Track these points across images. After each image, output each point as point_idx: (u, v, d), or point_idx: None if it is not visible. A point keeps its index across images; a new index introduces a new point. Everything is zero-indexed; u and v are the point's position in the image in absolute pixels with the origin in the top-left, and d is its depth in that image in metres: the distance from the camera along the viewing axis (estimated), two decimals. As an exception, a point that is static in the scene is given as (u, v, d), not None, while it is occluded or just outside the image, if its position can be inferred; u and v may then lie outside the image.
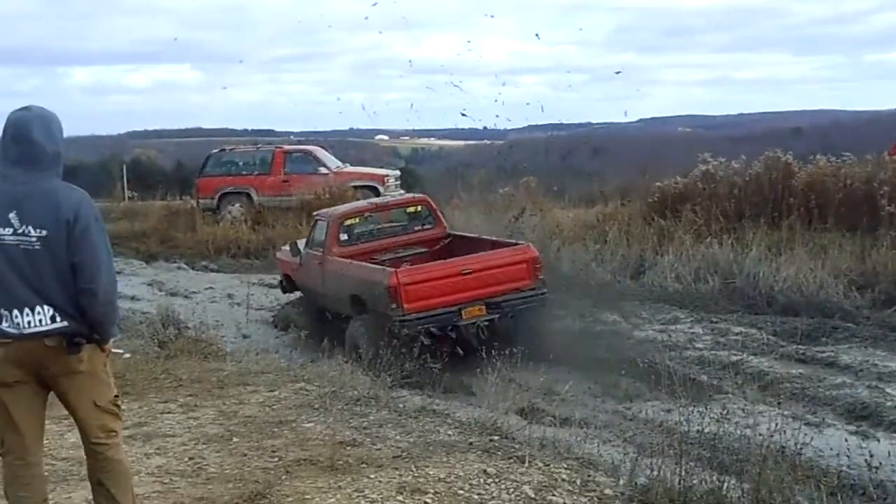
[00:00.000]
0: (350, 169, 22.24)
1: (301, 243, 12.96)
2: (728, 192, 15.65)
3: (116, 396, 4.15)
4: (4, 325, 3.86)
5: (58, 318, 3.87)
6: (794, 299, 12.32)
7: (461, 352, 10.27)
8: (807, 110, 78.11)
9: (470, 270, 10.60)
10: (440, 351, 9.86)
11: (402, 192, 21.98)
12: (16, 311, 3.86)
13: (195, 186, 22.26)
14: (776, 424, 8.07)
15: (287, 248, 13.50)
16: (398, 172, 23.40)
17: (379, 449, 5.56)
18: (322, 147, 23.86)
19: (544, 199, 18.94)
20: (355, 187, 20.20)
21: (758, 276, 13.04)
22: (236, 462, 5.46)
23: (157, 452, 5.68)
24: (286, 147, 23.15)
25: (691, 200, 15.84)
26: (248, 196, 20.86)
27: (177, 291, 15.80)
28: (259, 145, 24.33)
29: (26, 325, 3.85)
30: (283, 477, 5.14)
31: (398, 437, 5.79)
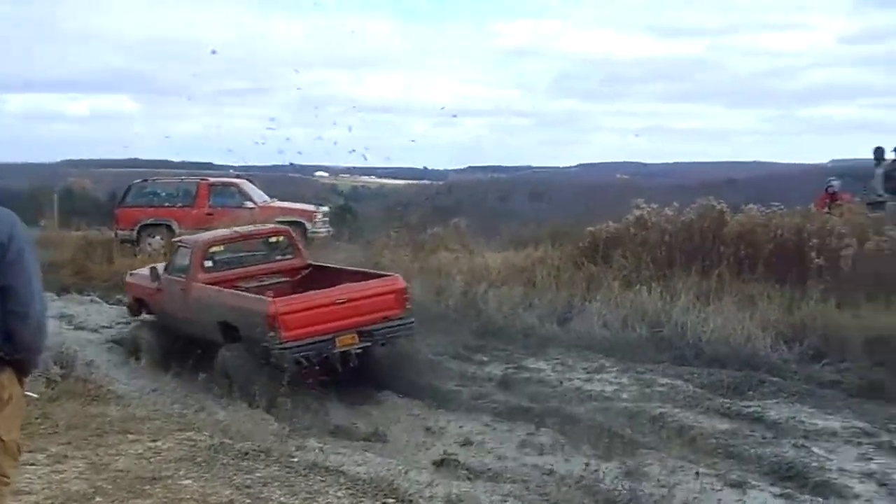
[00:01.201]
0: (277, 203, 21.63)
1: (160, 268, 13.01)
2: (660, 238, 15.40)
3: (19, 440, 3.83)
4: None
5: None
6: (721, 351, 12.02)
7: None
8: (741, 161, 79.14)
9: (344, 300, 10.90)
10: (313, 380, 10.51)
11: (329, 229, 21.55)
12: None
13: (114, 217, 21.54)
14: (697, 486, 7.80)
15: (142, 272, 13.74)
16: (326, 209, 22.86)
17: (257, 514, 5.02)
18: (249, 181, 23.26)
19: (473, 241, 18.52)
20: (281, 222, 19.64)
21: (686, 326, 12.73)
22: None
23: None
24: (211, 179, 22.47)
25: (622, 246, 15.57)
26: (170, 228, 20.16)
27: (85, 325, 15.05)
28: (183, 177, 23.66)
29: None
30: (142, 548, 4.55)
31: (282, 500, 5.24)
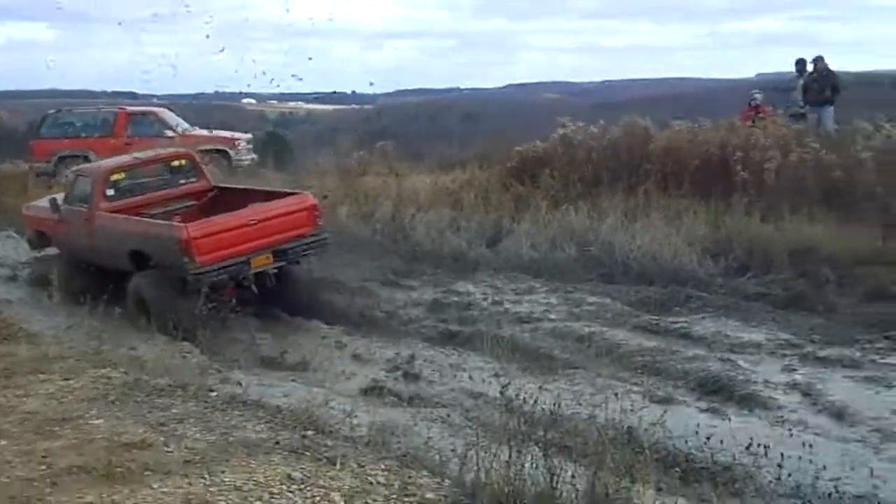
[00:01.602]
0: (198, 132, 21.00)
1: (60, 199, 12.56)
2: (586, 157, 15.36)
3: None
4: None
5: None
6: (648, 267, 12.08)
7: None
8: (669, 77, 79.51)
9: (256, 221, 10.73)
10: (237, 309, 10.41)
11: (254, 156, 21.13)
12: None
13: (29, 149, 20.84)
14: (625, 404, 7.81)
15: (41, 203, 13.35)
16: (250, 136, 22.31)
17: (171, 451, 4.86)
18: (168, 108, 22.64)
19: (401, 165, 18.31)
20: (203, 151, 19.20)
21: (613, 244, 12.75)
22: (-6, 471, 4.69)
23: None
24: (129, 108, 21.80)
25: (550, 166, 15.47)
26: (87, 159, 19.43)
27: (4, 262, 14.58)
28: (100, 106, 22.93)
29: None
30: (47, 490, 4.37)
31: (197, 436, 5.08)
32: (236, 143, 20.45)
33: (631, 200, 13.84)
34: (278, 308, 11.55)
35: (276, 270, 10.96)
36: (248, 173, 19.10)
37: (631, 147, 14.82)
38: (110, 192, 12.00)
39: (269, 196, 11.92)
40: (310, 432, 5.17)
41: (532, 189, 15.04)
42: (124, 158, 13.17)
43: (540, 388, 8.48)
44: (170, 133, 20.07)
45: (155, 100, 34.88)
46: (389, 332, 10.83)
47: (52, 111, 22.18)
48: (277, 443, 4.99)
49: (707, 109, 18.66)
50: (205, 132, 21.16)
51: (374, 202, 15.59)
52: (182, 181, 12.75)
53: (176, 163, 12.95)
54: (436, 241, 13.99)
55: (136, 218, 11.50)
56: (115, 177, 12.25)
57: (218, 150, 19.86)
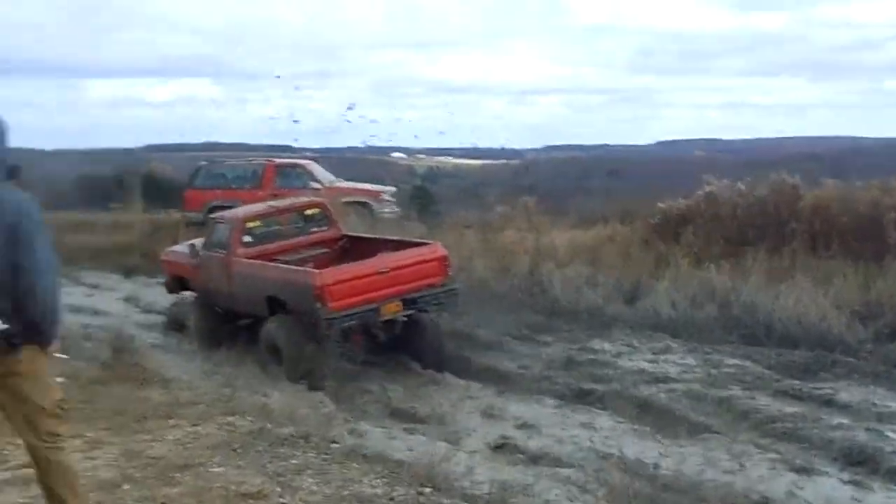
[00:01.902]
0: (343, 184, 21.52)
1: (199, 244, 13.07)
2: (731, 214, 14.97)
3: (62, 399, 4.18)
4: None
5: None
6: (793, 330, 11.59)
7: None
8: (823, 136, 76.95)
9: (387, 269, 11.08)
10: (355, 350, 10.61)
11: (396, 209, 21.41)
12: None
13: (183, 199, 21.70)
14: (763, 472, 7.49)
15: (179, 248, 13.85)
16: (393, 189, 22.63)
17: (285, 502, 4.89)
18: (316, 161, 23.24)
19: (542, 220, 18.22)
20: (347, 203, 19.60)
21: (756, 305, 12.30)
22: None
23: (27, 502, 4.92)
24: (277, 161, 22.44)
25: (693, 223, 15.15)
26: (236, 210, 20.18)
27: (153, 308, 15.14)
28: (250, 158, 23.70)
29: None
30: (161, 538, 4.42)
31: (313, 488, 5.07)
32: (379, 195, 20.80)
33: (776, 260, 13.38)
34: (410, 359, 11.64)
35: (405, 319, 11.18)
36: (389, 225, 19.35)
37: (778, 205, 14.37)
38: (247, 238, 12.48)
39: (399, 245, 12.26)
40: (427, 489, 5.10)
41: (673, 246, 14.74)
42: (260, 207, 13.62)
43: (672, 451, 8.36)
44: (316, 185, 20.51)
45: (308, 153, 35.78)
46: (521, 387, 10.73)
47: (203, 163, 23.06)
48: (392, 499, 4.95)
49: (860, 169, 18.03)
50: (350, 185, 21.62)
51: (512, 256, 15.53)
52: (314, 229, 13.21)
53: (309, 211, 13.40)
54: (573, 296, 13.80)
55: (272, 264, 11.93)
56: (251, 224, 12.72)
57: (361, 203, 20.25)
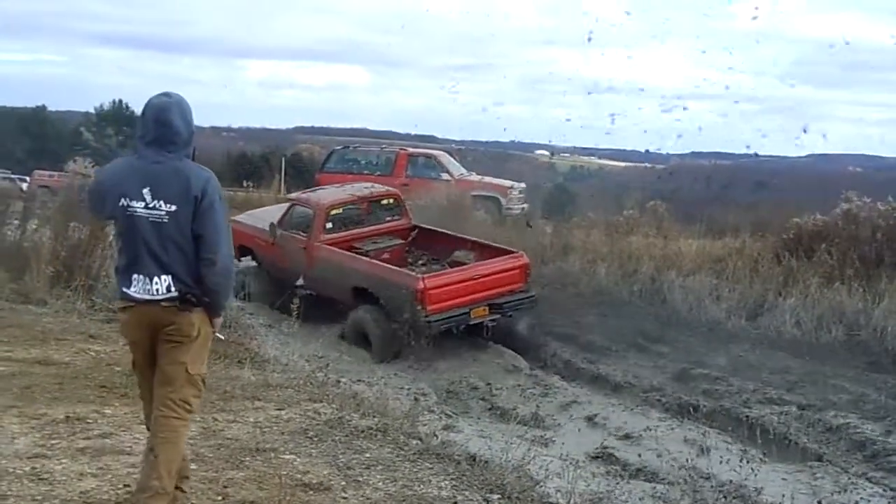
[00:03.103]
0: (473, 178, 21.46)
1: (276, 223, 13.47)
2: (870, 235, 14.27)
3: (204, 374, 4.41)
4: (133, 289, 4.24)
5: (172, 288, 4.22)
6: (922, 361, 11.08)
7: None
8: None
9: (479, 276, 11.73)
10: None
11: (525, 206, 21.28)
12: (142, 277, 4.23)
13: (315, 182, 22.01)
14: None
15: (249, 221, 14.31)
16: (523, 185, 22.40)
17: (346, 497, 4.86)
18: (449, 153, 23.28)
19: (672, 227, 17.82)
20: (476, 196, 19.59)
21: (886, 331, 11.80)
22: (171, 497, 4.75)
23: (94, 473, 5.02)
24: (410, 150, 22.63)
25: (828, 241, 14.52)
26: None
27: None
28: (384, 146, 23.89)
29: (147, 293, 4.21)
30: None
31: (378, 485, 5.03)
32: (508, 191, 20.68)
33: (913, 286, 12.75)
34: (521, 359, 11.61)
35: (492, 322, 11.72)
36: (515, 221, 19.27)
37: (919, 228, 13.65)
38: (328, 224, 12.96)
39: (473, 245, 13.02)
40: (495, 495, 5.01)
41: (805, 264, 14.17)
42: (342, 194, 14.01)
43: (776, 476, 8.06)
44: (446, 176, 20.57)
45: (453, 145, 36.02)
46: (630, 397, 10.58)
47: (338, 147, 23.40)
48: (455, 502, 4.88)
49: None
50: (480, 179, 21.58)
51: (636, 262, 15.25)
52: (388, 218, 13.74)
53: (385, 201, 13.91)
54: (694, 308, 13.49)
55: (367, 259, 12.43)
56: (334, 211, 13.20)
57: (490, 197, 20.21)
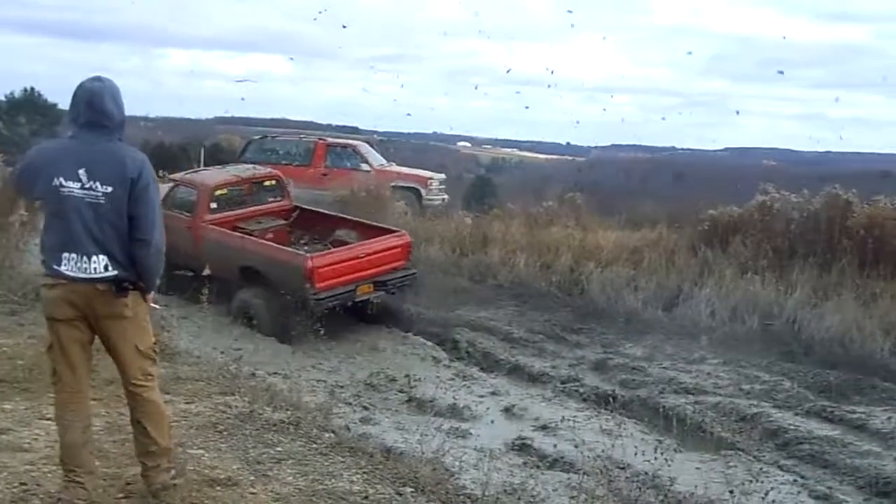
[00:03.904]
0: (393, 168, 21.31)
1: None
2: (783, 227, 14.50)
3: (155, 343, 4.61)
4: (64, 267, 4.30)
5: (110, 267, 4.33)
6: (833, 350, 11.27)
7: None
8: (897, 154, 74.98)
9: (364, 255, 12.00)
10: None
11: (445, 197, 21.22)
12: (74, 256, 4.30)
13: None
14: (778, 495, 7.22)
15: None
16: (443, 176, 22.34)
17: (255, 492, 4.71)
18: (369, 143, 23.09)
19: (591, 219, 17.92)
20: (395, 187, 19.46)
21: (799, 321, 12.00)
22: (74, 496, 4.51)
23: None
24: (329, 140, 22.32)
25: (742, 232, 14.72)
26: (285, 187, 20.03)
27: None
28: (301, 136, 23.59)
29: (82, 271, 4.29)
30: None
31: (288, 479, 4.88)
32: (429, 182, 20.57)
33: (824, 277, 12.96)
34: (441, 351, 11.55)
35: (377, 299, 12.07)
36: (436, 212, 19.21)
37: (831, 220, 13.88)
38: (213, 205, 13.05)
39: (355, 225, 13.38)
40: (408, 489, 4.91)
41: (720, 255, 14.35)
42: (226, 175, 14.07)
43: (691, 466, 8.10)
44: (365, 167, 20.39)
45: (375, 136, 35.85)
46: (548, 387, 10.55)
47: (256, 137, 23.07)
48: (367, 497, 4.76)
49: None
50: (400, 169, 21.46)
51: (554, 254, 15.30)
52: (270, 199, 13.93)
53: (267, 182, 14.12)
54: (611, 298, 13.57)
55: (257, 239, 12.59)
56: (218, 192, 13.31)
57: (410, 188, 20.10)
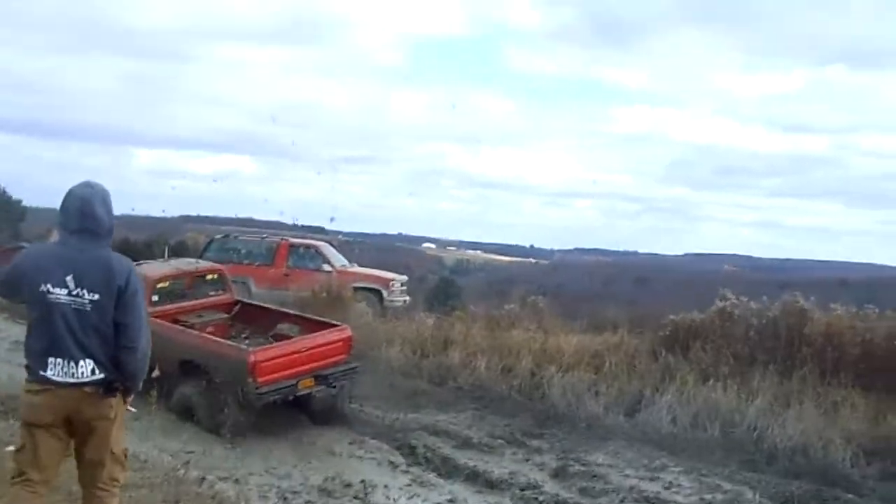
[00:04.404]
0: (355, 269, 21.33)
1: None
2: (743, 333, 14.54)
3: (126, 448, 4.67)
4: (50, 372, 4.38)
5: (97, 371, 4.44)
6: (796, 460, 11.14)
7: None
8: (856, 262, 76.43)
9: (306, 349, 11.90)
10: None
11: (407, 298, 21.16)
12: (61, 361, 4.38)
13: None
14: None
15: None
16: (405, 278, 22.32)
17: None
18: (331, 244, 23.13)
19: (553, 322, 17.88)
20: (356, 288, 19.39)
21: (761, 429, 11.91)
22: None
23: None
24: (291, 240, 22.30)
25: (703, 338, 14.72)
26: (245, 285, 19.88)
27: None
28: (265, 235, 23.58)
29: (70, 375, 4.37)
30: None
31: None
32: (390, 283, 20.56)
33: (785, 384, 12.94)
34: (400, 455, 11.31)
35: (318, 393, 11.89)
36: (396, 314, 19.11)
37: (790, 327, 13.93)
38: (155, 297, 12.88)
39: (297, 320, 13.29)
40: None
41: (681, 360, 14.32)
42: (167, 269, 14.00)
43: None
44: (327, 267, 20.43)
45: (341, 236, 36.09)
46: (507, 494, 10.30)
47: (219, 236, 23.05)
48: None
49: (889, 299, 17.59)
50: (361, 270, 21.45)
51: (515, 357, 15.18)
52: (211, 293, 13.93)
53: (209, 276, 14.16)
54: (572, 403, 13.41)
55: (198, 333, 12.46)
56: (160, 285, 13.21)
57: (371, 289, 20.04)
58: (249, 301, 14.57)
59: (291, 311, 14.02)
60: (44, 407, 4.40)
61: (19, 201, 51.44)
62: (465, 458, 11.42)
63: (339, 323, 13.02)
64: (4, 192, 52.01)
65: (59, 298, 4.38)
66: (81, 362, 4.37)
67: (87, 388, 4.39)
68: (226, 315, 13.67)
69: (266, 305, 14.46)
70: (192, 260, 15.39)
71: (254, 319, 13.63)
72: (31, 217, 49.33)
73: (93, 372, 4.40)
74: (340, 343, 12.42)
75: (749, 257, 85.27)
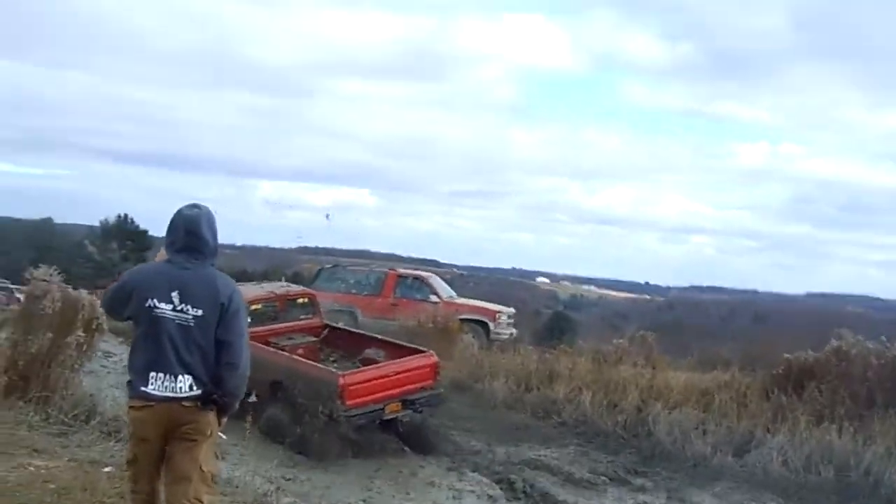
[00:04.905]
0: (461, 301, 21.37)
1: None
2: (861, 374, 13.90)
3: (215, 471, 4.75)
4: (151, 387, 4.50)
5: (195, 387, 4.54)
6: (915, 508, 10.60)
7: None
8: None
9: (394, 373, 12.05)
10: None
11: (513, 331, 21.02)
12: (162, 375, 4.50)
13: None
14: None
15: None
16: (512, 310, 22.18)
17: None
18: (438, 276, 23.22)
19: (661, 357, 17.49)
20: (463, 320, 19.35)
21: (877, 475, 11.35)
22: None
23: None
24: (400, 271, 22.52)
25: (818, 378, 14.14)
26: (352, 315, 20.07)
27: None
28: (373, 266, 23.82)
29: (169, 390, 4.49)
30: None
31: None
32: (497, 316, 20.49)
33: (906, 429, 12.33)
34: (497, 488, 11.15)
35: (405, 418, 12.08)
36: (502, 347, 18.98)
37: (912, 369, 13.28)
38: (248, 319, 12.65)
39: (383, 345, 13.47)
40: None
41: (795, 401, 13.78)
42: (260, 291, 14.27)
43: None
44: (434, 298, 20.49)
45: (455, 269, 36.34)
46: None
47: (328, 266, 23.34)
48: None
49: None
50: (468, 302, 21.44)
51: (622, 392, 14.87)
52: (302, 316, 14.19)
53: (300, 300, 14.44)
54: (679, 441, 13.02)
55: (289, 354, 12.68)
56: (253, 307, 13.20)
57: (477, 321, 19.98)
58: (339, 326, 14.77)
59: (378, 336, 14.17)
60: (147, 422, 4.51)
61: (145, 231, 53.06)
62: (566, 495, 11.20)
63: (425, 349, 13.08)
64: (132, 221, 53.72)
65: (164, 313, 4.51)
66: (181, 377, 4.48)
67: (185, 403, 4.50)
68: (315, 338, 13.92)
69: (353, 330, 14.78)
70: (284, 283, 15.69)
71: (341, 343, 13.89)
72: (156, 247, 50.86)
73: (191, 388, 4.50)
74: (427, 369, 12.53)
75: (875, 298, 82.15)
